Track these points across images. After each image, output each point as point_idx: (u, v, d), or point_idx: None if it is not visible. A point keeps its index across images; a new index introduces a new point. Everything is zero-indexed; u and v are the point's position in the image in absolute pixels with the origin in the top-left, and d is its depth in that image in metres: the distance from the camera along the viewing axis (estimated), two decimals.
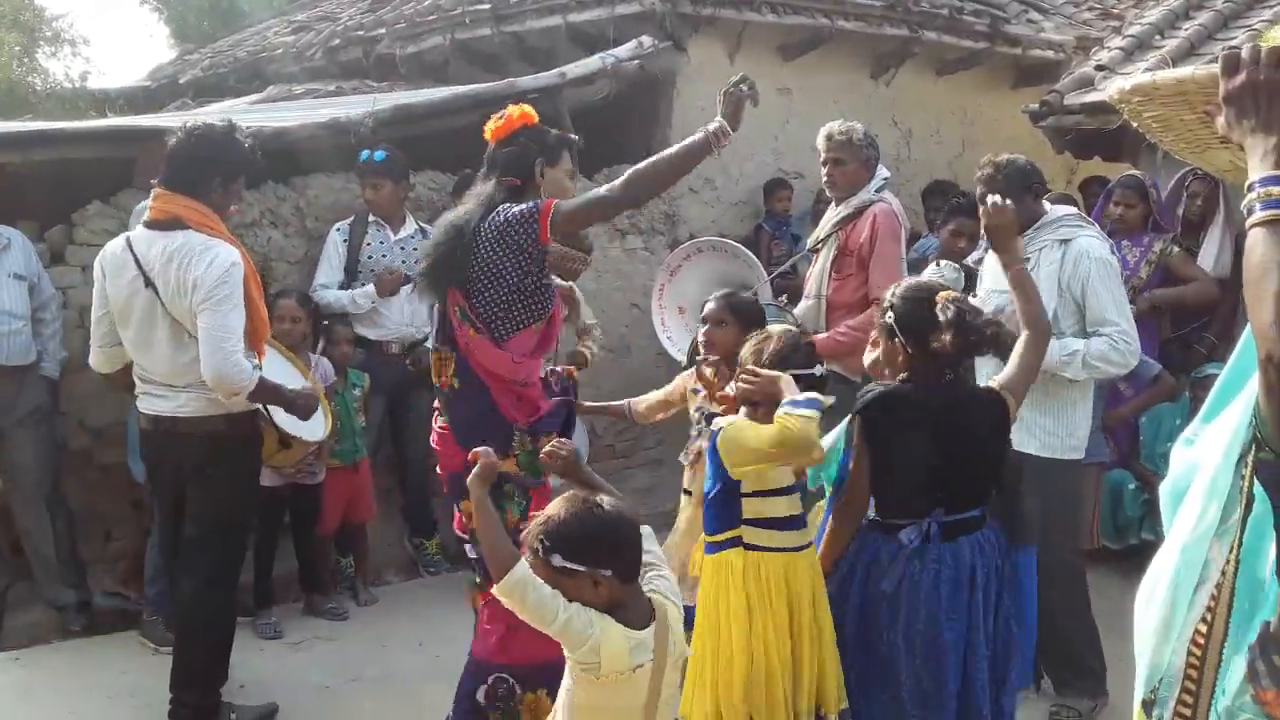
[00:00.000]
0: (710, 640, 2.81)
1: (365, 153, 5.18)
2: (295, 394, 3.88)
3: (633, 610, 2.28)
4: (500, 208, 3.20)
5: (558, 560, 2.22)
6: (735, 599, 2.79)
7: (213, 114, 6.18)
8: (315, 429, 4.33)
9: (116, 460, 5.10)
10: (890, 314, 2.87)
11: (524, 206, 3.16)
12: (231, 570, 3.89)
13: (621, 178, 3.25)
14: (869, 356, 2.98)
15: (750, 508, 2.85)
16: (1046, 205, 3.94)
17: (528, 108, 3.37)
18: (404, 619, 4.92)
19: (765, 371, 2.86)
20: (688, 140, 3.26)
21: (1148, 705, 1.76)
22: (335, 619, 4.92)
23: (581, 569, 2.22)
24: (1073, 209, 4.08)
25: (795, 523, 2.91)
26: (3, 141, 4.95)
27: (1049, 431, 3.83)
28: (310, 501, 4.95)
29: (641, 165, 3.27)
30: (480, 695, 3.29)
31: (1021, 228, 3.83)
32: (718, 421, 2.89)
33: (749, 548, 2.84)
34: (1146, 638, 1.77)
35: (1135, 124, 1.86)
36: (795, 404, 2.69)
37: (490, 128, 3.35)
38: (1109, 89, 1.86)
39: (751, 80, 3.35)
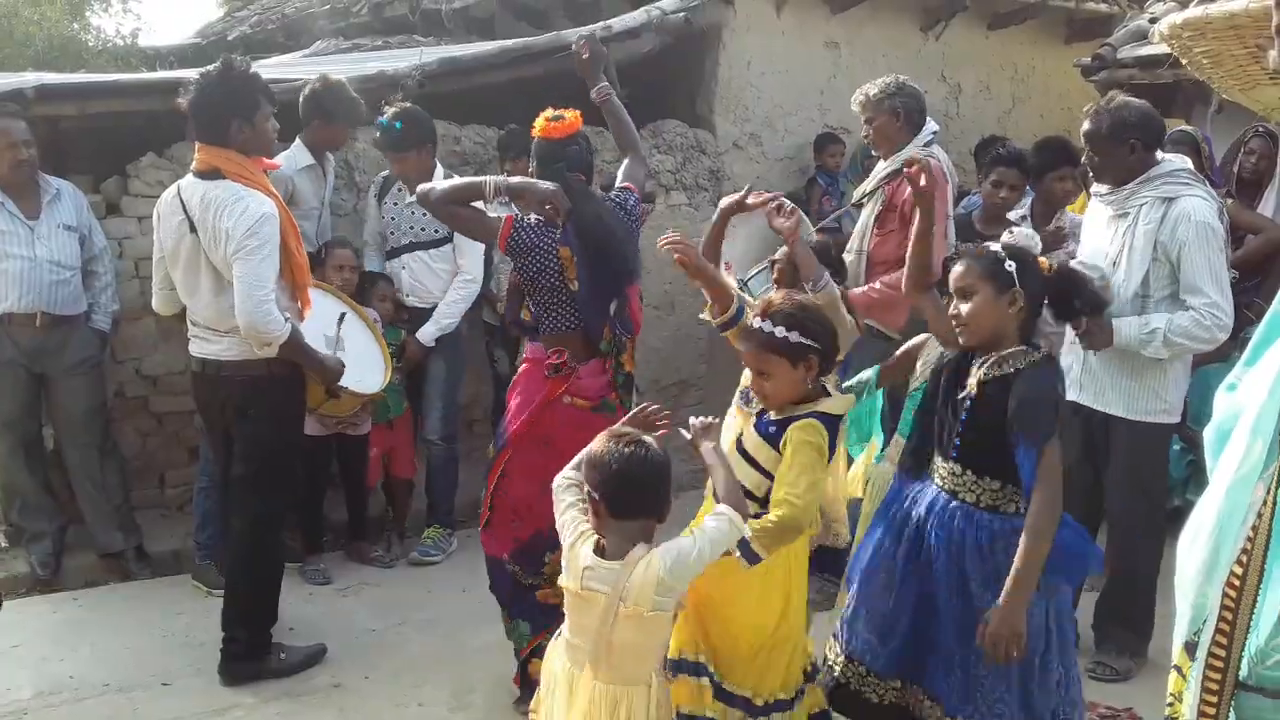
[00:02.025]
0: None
1: (383, 120, 4.90)
2: (325, 359, 3.95)
3: (612, 544, 2.44)
4: (616, 201, 3.60)
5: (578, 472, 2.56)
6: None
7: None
8: (369, 381, 4.40)
9: (171, 408, 5.23)
10: (1020, 270, 2.67)
11: (634, 197, 3.63)
12: (278, 511, 3.99)
13: (634, 148, 3.83)
14: (963, 309, 2.71)
15: None
16: (1160, 156, 3.75)
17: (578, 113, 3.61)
18: (447, 567, 5.00)
19: None
20: (618, 109, 3.83)
21: (1190, 647, 1.75)
22: (383, 567, 5.00)
23: (584, 487, 2.51)
24: (1186, 163, 3.85)
25: None
26: (59, 93, 5.03)
27: (1132, 394, 3.77)
28: (356, 452, 5.02)
29: (630, 131, 3.86)
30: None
31: (1119, 180, 3.73)
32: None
33: None
34: (1189, 581, 1.76)
35: (1185, 60, 1.84)
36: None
37: (549, 126, 3.52)
38: (1160, 24, 1.84)
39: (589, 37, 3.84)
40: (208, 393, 3.92)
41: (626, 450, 2.42)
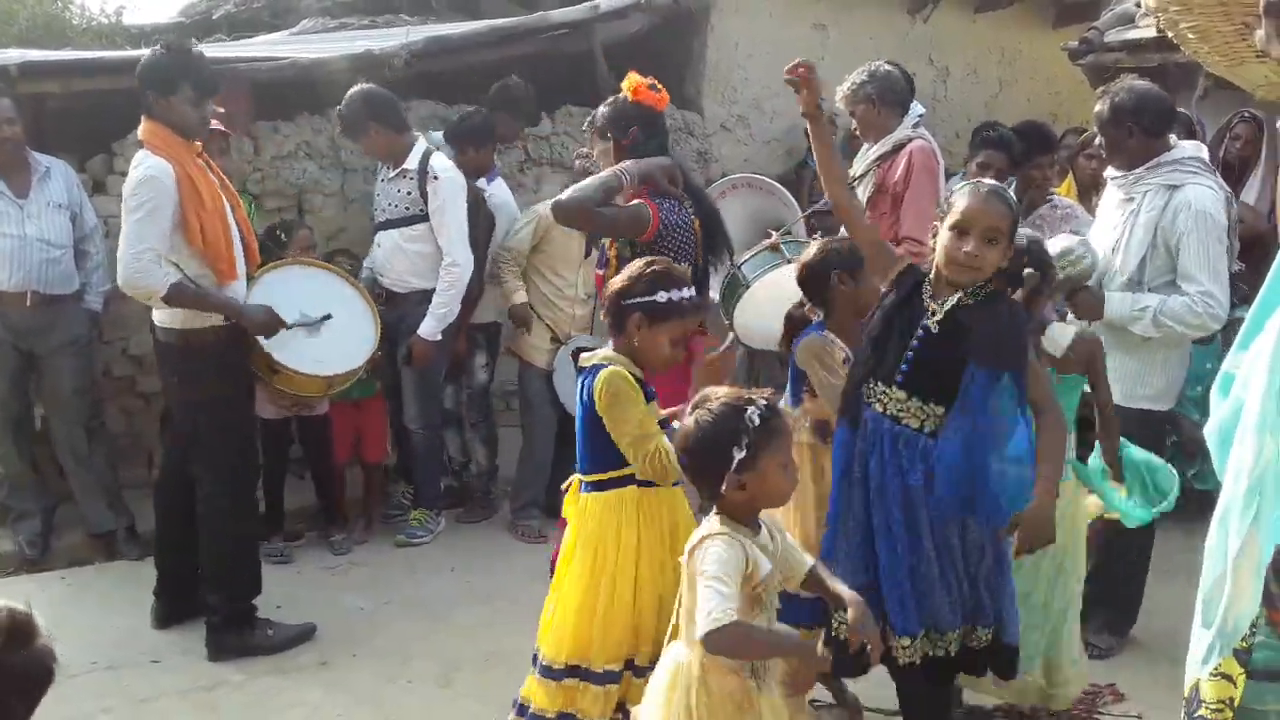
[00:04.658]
0: (598, 577, 2.77)
1: None
2: (242, 306, 3.86)
3: None
4: None
5: None
6: (627, 536, 2.76)
7: (235, 47, 6.22)
8: (327, 365, 4.25)
9: (158, 388, 5.21)
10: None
11: None
12: (237, 477, 3.97)
13: None
14: (987, 254, 2.68)
15: None
16: (1173, 141, 3.77)
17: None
18: (435, 547, 5.02)
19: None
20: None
21: (1241, 654, 1.73)
22: (336, 554, 4.92)
23: None
24: (1198, 151, 3.84)
25: None
26: (43, 70, 5.02)
27: (1118, 377, 3.73)
28: (316, 433, 4.96)
29: None
30: None
31: (1127, 164, 3.75)
32: (586, 358, 2.81)
33: (641, 484, 2.78)
34: (1232, 587, 1.70)
35: (1172, 34, 1.84)
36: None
37: (652, 95, 3.56)
38: None
39: None
40: (154, 354, 4.06)
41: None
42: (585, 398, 2.76)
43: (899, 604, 2.74)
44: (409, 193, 4.77)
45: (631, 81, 3.56)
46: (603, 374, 2.70)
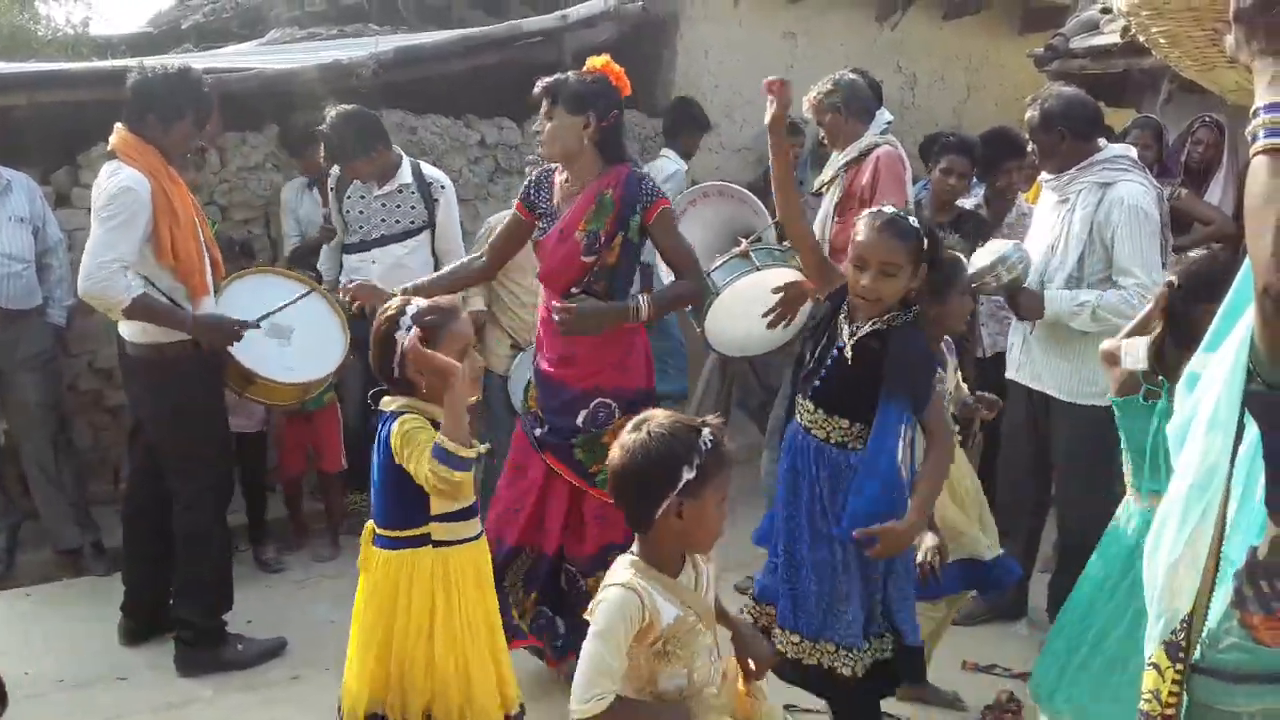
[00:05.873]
0: (387, 633, 2.69)
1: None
2: (197, 318, 3.78)
3: None
4: None
5: None
6: (418, 598, 2.66)
7: (203, 57, 6.19)
8: (298, 373, 4.19)
9: (125, 402, 5.16)
10: (929, 248, 2.77)
11: None
12: (207, 495, 3.90)
13: None
14: (882, 287, 2.71)
15: (438, 504, 2.69)
16: (1102, 144, 3.85)
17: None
18: None
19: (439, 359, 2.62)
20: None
21: (1171, 647, 1.73)
22: (270, 571, 4.88)
23: None
24: (1127, 151, 3.92)
25: (473, 510, 2.78)
26: (9, 83, 4.96)
27: (1065, 375, 3.85)
28: (251, 449, 4.89)
29: None
30: (580, 418, 3.49)
31: (1059, 166, 3.84)
32: (386, 403, 2.73)
33: (438, 545, 2.70)
34: (1166, 585, 1.72)
35: (1143, 38, 1.83)
36: (447, 460, 2.52)
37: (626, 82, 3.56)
38: (1119, 1, 1.83)
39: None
40: (121, 369, 4.04)
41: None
42: (382, 447, 2.67)
43: (792, 603, 2.84)
44: (413, 206, 4.74)
45: (605, 63, 3.52)
46: (396, 423, 2.63)
